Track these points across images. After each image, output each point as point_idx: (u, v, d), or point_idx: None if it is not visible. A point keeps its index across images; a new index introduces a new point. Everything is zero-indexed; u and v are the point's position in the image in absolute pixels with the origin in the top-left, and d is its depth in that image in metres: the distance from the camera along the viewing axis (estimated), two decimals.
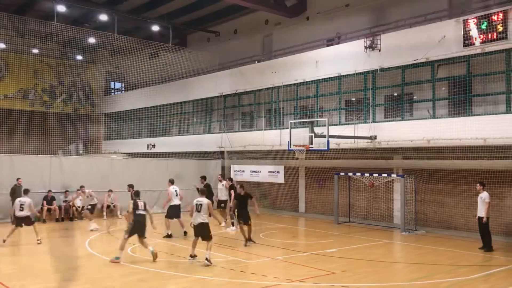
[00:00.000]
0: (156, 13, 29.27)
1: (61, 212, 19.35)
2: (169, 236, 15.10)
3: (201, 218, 11.43)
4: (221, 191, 17.75)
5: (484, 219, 13.63)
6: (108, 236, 16.01)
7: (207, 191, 15.72)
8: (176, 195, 15.58)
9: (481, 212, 13.71)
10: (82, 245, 13.93)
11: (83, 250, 13.20)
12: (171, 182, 15.88)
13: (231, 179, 18.61)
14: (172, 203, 15.48)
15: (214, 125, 26.82)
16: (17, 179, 18.32)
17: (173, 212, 15.45)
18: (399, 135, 17.45)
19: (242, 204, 14.44)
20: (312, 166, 22.39)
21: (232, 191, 17.32)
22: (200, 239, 11.60)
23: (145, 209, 12.12)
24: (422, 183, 18.20)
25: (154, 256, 11.50)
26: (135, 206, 12.00)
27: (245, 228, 14.20)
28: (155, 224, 12.47)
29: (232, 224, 17.05)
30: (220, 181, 18.31)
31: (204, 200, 11.55)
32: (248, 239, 14.14)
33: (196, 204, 11.50)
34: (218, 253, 12.92)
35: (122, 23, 29.38)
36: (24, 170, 18.93)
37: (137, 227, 11.87)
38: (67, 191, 19.59)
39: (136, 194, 12.45)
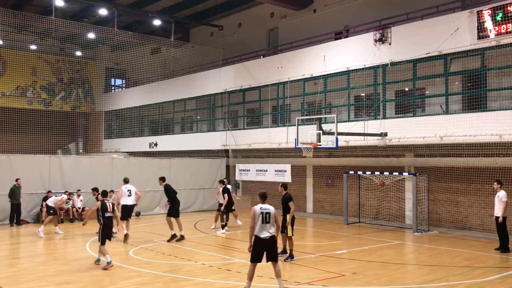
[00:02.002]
0: (157, 6, 29.30)
1: (61, 213, 19.41)
2: (125, 237, 14.80)
3: (270, 230, 8.96)
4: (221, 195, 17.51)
5: (501, 219, 13.57)
6: None
7: (167, 192, 15.24)
8: (130, 195, 15.44)
9: (498, 211, 13.65)
10: (83, 247, 14.00)
11: (84, 253, 13.26)
12: (125, 181, 15.82)
13: (222, 182, 17.94)
14: (124, 203, 15.28)
15: (218, 123, 26.84)
16: (16, 180, 18.44)
17: (125, 212, 15.27)
18: (411, 131, 17.40)
19: (282, 209, 12.31)
20: (320, 165, 22.37)
21: (225, 195, 17.04)
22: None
23: (113, 211, 11.92)
24: (435, 181, 18.13)
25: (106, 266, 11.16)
26: (104, 208, 11.62)
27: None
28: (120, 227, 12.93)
29: (222, 227, 17.02)
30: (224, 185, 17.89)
31: (271, 208, 9.12)
32: (290, 254, 12.33)
33: (263, 213, 8.95)
34: (223, 255, 12.95)
35: (122, 17, 29.45)
36: (23, 170, 19.05)
37: (108, 232, 11.67)
38: (67, 191, 19.63)
39: (104, 194, 12.22)
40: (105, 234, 11.56)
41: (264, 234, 8.89)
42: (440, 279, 10.43)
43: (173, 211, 15.18)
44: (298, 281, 10.10)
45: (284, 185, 12.61)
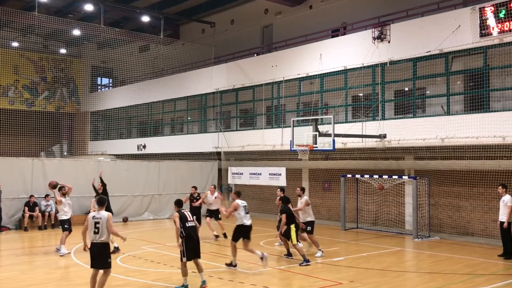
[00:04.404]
0: (146, 2, 29.25)
1: (44, 219, 19.32)
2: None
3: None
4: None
5: (505, 224, 13.63)
6: None
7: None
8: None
9: (503, 216, 13.71)
10: (68, 255, 13.92)
11: (68, 261, 13.21)
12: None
13: (283, 189, 15.75)
14: None
15: (210, 124, 26.82)
16: None
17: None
18: (411, 133, 17.46)
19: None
20: (316, 168, 22.40)
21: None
22: None
23: (193, 220, 10.63)
24: (436, 185, 18.20)
25: None
26: (183, 218, 10.35)
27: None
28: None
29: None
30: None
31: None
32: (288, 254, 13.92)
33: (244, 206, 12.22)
34: (215, 263, 12.94)
35: (109, 13, 29.36)
36: (3, 174, 18.91)
37: (192, 244, 10.22)
38: (48, 195, 19.49)
39: (179, 204, 10.82)
40: (190, 247, 10.17)
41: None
42: (441, 287, 10.47)
43: None
44: None
45: (282, 198, 14.15)
